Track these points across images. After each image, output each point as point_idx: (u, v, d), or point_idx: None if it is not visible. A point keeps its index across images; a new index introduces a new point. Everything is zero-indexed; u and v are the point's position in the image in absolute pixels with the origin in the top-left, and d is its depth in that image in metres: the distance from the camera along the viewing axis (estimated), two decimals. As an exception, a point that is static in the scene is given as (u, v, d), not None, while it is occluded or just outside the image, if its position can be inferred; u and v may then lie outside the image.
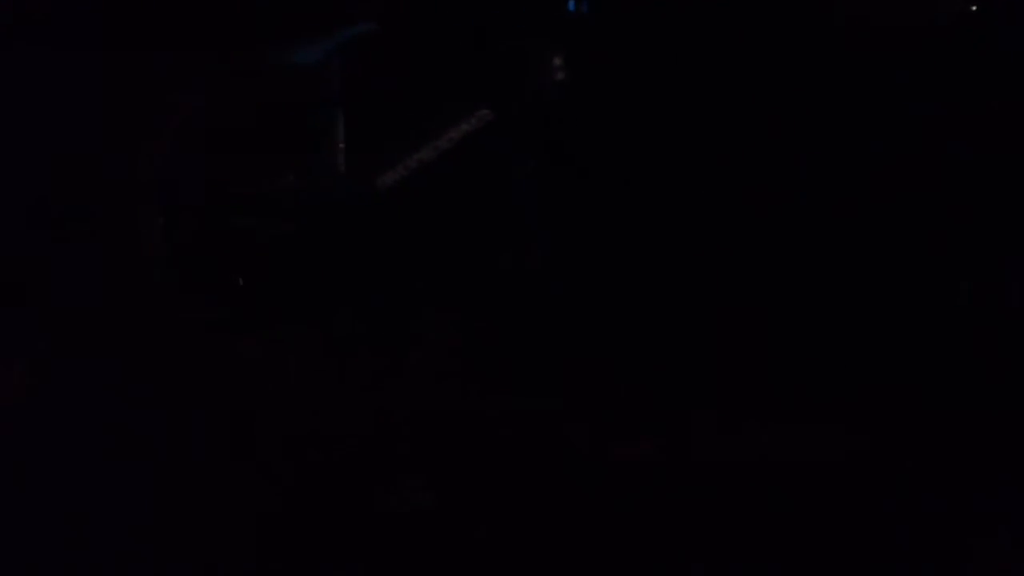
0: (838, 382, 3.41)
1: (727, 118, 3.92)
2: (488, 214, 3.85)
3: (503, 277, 3.76)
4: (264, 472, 2.92)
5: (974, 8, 3.86)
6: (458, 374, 3.51)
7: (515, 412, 3.22)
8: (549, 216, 3.64)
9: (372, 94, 3.93)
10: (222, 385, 3.41)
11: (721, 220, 3.83)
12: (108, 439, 3.05)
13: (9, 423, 3.11)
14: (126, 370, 3.46)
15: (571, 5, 3.58)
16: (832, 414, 3.25)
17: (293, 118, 3.84)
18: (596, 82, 3.70)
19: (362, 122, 3.83)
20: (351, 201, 3.77)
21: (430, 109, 3.83)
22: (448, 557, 2.57)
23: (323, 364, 3.60)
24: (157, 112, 3.88)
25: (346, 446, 3.07)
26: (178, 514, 2.70)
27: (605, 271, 3.67)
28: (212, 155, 3.87)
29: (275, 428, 3.17)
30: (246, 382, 3.44)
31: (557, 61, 3.57)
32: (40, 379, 3.37)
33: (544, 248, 3.62)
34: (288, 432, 3.15)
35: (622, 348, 3.56)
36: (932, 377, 3.43)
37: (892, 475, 2.95)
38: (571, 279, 3.64)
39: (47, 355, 3.53)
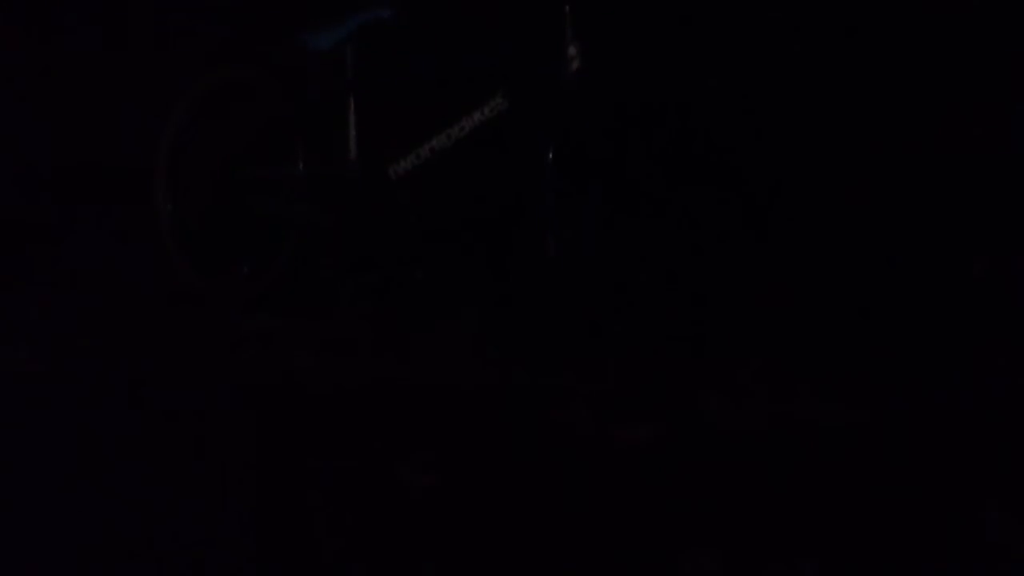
0: (839, 359, 3.41)
1: (739, 107, 3.92)
2: (503, 202, 3.79)
3: (518, 263, 3.67)
4: (274, 447, 2.92)
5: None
6: (467, 354, 3.50)
7: (521, 391, 3.23)
8: (564, 203, 3.55)
9: (386, 80, 3.88)
10: (233, 362, 3.41)
11: (729, 204, 3.82)
12: (116, 419, 3.05)
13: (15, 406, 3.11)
14: (137, 348, 3.47)
15: None
16: (833, 391, 3.23)
17: (305, 103, 3.79)
18: (611, 72, 3.63)
19: (376, 108, 3.78)
20: (362, 187, 3.71)
21: (444, 96, 3.79)
22: (449, 537, 2.55)
23: (335, 342, 3.58)
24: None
25: (356, 422, 3.07)
26: (188, 488, 2.71)
27: (617, 256, 3.63)
28: (224, 138, 3.86)
29: (286, 402, 3.17)
30: (257, 358, 3.44)
31: (572, 50, 3.47)
32: (45, 362, 3.37)
33: (560, 235, 3.52)
34: (299, 407, 3.15)
35: (627, 329, 3.54)
36: (937, 353, 3.44)
37: (895, 451, 2.93)
38: (585, 264, 3.57)
39: (53, 337, 3.52)
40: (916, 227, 3.89)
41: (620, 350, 3.46)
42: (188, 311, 3.72)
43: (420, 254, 3.88)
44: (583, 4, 3.47)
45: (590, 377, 3.31)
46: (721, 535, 2.55)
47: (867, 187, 3.90)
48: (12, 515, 2.57)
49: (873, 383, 3.29)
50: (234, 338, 3.57)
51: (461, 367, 3.42)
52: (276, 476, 2.77)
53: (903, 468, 2.83)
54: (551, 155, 3.51)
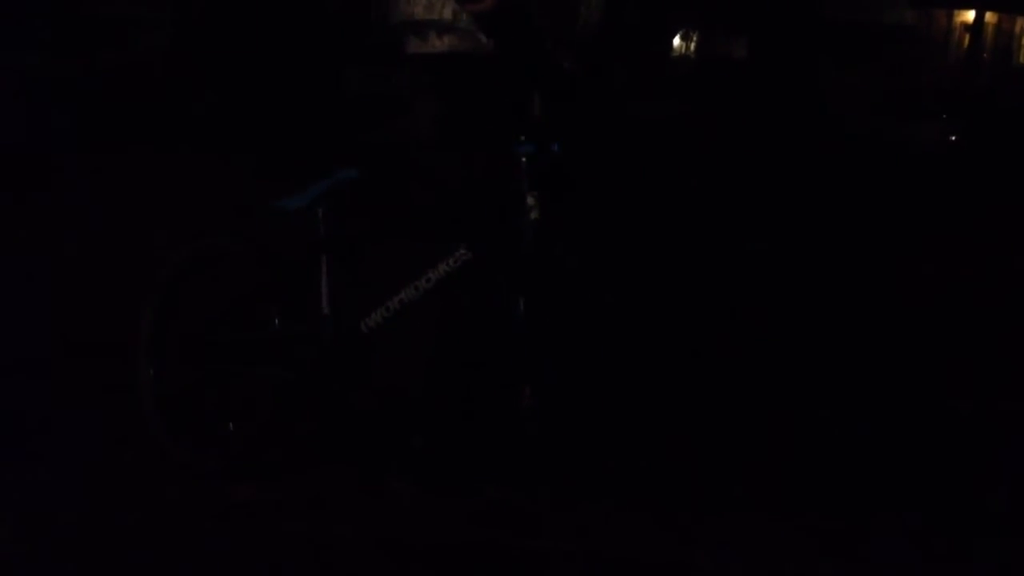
0: (828, 510, 3.44)
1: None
2: (473, 353, 3.76)
3: (497, 417, 3.65)
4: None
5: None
6: (449, 511, 3.50)
7: (502, 553, 3.21)
8: (540, 354, 3.55)
9: (356, 237, 3.93)
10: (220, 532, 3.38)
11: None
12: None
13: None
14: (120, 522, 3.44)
15: (555, 147, 3.57)
16: (822, 543, 3.26)
17: (279, 265, 3.85)
18: (569, 219, 3.68)
19: (347, 265, 3.84)
20: (334, 342, 3.76)
21: (411, 248, 3.82)
22: None
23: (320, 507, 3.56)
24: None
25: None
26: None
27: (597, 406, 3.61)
28: (198, 301, 3.88)
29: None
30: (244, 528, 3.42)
31: (531, 200, 3.54)
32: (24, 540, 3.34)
33: (539, 385, 3.52)
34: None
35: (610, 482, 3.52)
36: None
37: None
38: (563, 414, 3.56)
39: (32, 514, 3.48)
40: (897, 367, 3.95)
41: (604, 505, 3.45)
42: (172, 483, 3.69)
43: (399, 411, 3.88)
44: (542, 158, 3.56)
45: (574, 536, 3.30)
46: None
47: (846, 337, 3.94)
48: None
49: (864, 533, 3.33)
50: (219, 508, 3.55)
51: (442, 525, 3.42)
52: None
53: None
54: (521, 304, 3.53)
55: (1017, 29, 20.42)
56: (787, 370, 4.28)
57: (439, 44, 3.68)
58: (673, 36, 17.00)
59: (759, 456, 3.84)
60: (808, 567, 3.19)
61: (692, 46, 17.64)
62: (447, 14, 3.62)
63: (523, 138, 3.56)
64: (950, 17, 19.81)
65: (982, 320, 4.97)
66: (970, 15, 18.92)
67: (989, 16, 19.02)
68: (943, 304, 5.00)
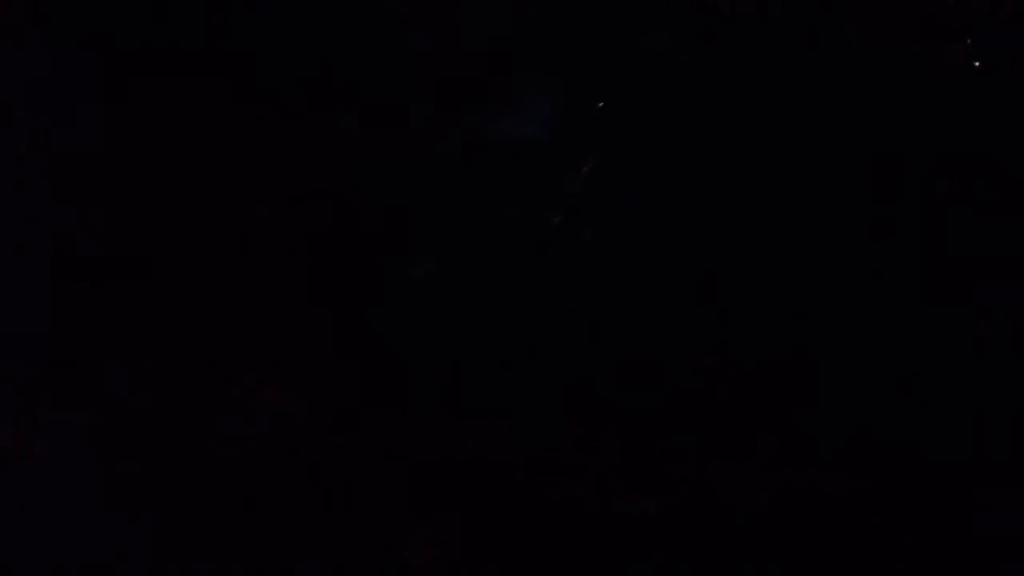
0: (842, 427, 3.48)
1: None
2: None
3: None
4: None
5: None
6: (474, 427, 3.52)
7: (524, 466, 3.24)
8: None
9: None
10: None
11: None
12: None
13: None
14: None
15: None
16: (836, 459, 3.31)
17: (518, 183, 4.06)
18: None
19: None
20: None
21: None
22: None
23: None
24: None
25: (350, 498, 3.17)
26: None
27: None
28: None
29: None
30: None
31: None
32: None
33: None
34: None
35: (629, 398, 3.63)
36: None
37: (894, 516, 3.05)
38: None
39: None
40: (915, 296, 4.01)
41: (621, 416, 3.52)
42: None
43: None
44: None
45: (593, 449, 3.29)
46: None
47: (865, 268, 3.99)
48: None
49: (872, 451, 3.38)
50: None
51: (470, 441, 3.44)
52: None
53: (902, 533, 2.99)
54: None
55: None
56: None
57: None
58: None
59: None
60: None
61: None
62: None
63: None
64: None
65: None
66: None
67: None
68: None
